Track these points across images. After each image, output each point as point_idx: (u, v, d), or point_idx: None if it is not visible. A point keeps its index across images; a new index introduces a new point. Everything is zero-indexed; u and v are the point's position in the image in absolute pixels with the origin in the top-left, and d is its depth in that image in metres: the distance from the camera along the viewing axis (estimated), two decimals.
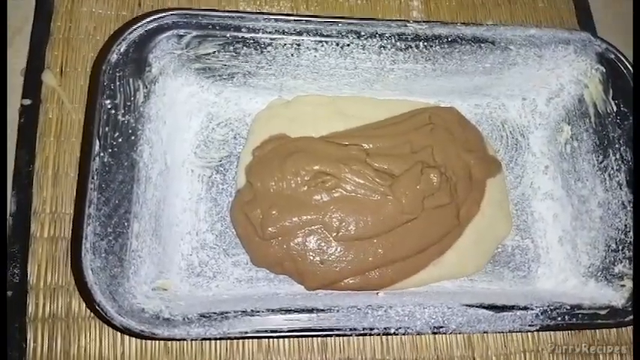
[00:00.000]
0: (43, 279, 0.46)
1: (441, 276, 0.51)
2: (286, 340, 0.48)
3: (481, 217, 0.53)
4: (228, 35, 0.45)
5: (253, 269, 0.49)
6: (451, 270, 0.51)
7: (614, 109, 0.48)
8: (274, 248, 0.48)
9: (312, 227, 0.48)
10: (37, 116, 0.50)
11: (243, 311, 0.41)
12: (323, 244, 0.48)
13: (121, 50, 0.43)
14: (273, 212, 0.47)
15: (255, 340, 0.47)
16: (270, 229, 0.47)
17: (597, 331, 0.52)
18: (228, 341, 0.47)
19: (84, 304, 0.45)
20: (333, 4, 0.58)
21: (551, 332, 0.51)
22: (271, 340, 0.48)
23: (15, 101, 0.50)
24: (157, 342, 0.46)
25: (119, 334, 0.46)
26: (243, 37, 0.45)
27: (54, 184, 0.48)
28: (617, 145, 0.48)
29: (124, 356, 0.46)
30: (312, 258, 0.48)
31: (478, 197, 0.53)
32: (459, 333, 0.43)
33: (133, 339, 0.46)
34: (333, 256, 0.48)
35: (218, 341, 0.47)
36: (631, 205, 0.47)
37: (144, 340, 0.46)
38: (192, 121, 0.52)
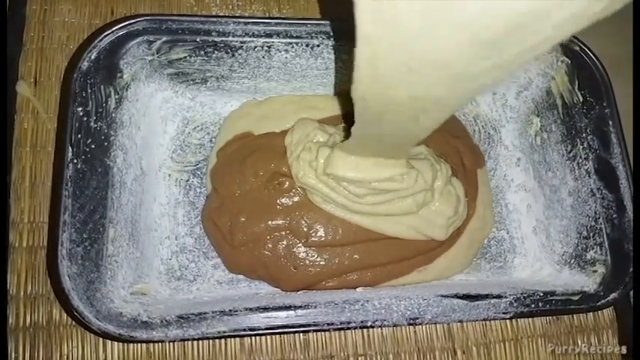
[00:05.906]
0: (23, 288, 0.46)
1: (426, 280, 0.49)
2: (268, 339, 0.48)
3: (476, 217, 0.51)
4: (198, 39, 0.45)
5: None
6: (437, 274, 0.49)
7: (581, 99, 0.49)
8: (245, 255, 0.46)
9: (282, 233, 0.46)
10: (12, 127, 0.50)
11: (222, 311, 0.41)
12: (294, 249, 0.46)
13: (92, 57, 0.43)
14: (242, 219, 0.45)
15: (238, 341, 0.48)
16: (238, 236, 0.45)
17: (575, 317, 0.53)
18: (211, 343, 0.47)
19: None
20: (304, 7, 0.58)
21: (530, 320, 0.51)
22: (253, 339, 0.48)
23: None
24: (139, 346, 0.47)
25: (101, 340, 0.46)
26: (213, 40, 0.46)
27: (31, 194, 0.48)
28: (584, 135, 0.49)
29: None
30: (284, 263, 0.46)
31: (474, 194, 0.51)
32: (435, 323, 0.43)
33: (115, 345, 0.46)
34: (306, 261, 0.46)
35: (200, 343, 0.47)
36: (600, 192, 0.48)
37: (126, 346, 0.46)
38: (167, 126, 0.52)
